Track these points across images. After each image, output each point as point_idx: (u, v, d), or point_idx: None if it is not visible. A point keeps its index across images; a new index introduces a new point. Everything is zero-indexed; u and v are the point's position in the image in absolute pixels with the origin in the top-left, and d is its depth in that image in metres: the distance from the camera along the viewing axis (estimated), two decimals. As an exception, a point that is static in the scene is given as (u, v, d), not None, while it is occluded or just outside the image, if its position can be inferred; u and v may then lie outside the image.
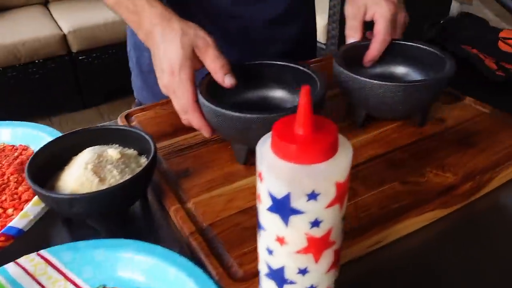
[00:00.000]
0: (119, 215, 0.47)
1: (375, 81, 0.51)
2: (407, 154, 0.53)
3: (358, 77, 0.52)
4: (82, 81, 2.33)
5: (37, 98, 2.26)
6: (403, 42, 0.61)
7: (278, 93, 0.58)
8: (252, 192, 0.47)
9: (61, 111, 2.36)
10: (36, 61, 2.19)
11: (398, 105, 0.52)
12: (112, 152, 0.47)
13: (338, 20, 1.89)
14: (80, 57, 2.27)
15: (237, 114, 0.46)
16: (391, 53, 0.61)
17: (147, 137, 0.48)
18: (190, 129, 0.53)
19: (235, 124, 0.46)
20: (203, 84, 0.51)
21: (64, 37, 2.23)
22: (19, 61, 2.16)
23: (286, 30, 0.76)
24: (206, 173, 0.51)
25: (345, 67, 0.54)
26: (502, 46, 0.74)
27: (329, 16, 1.95)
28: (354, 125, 0.58)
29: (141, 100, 0.83)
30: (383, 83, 0.51)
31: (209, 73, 0.51)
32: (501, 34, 0.76)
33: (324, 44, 2.05)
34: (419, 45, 0.60)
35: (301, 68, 0.55)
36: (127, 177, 0.44)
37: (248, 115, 0.45)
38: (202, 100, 0.48)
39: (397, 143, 0.55)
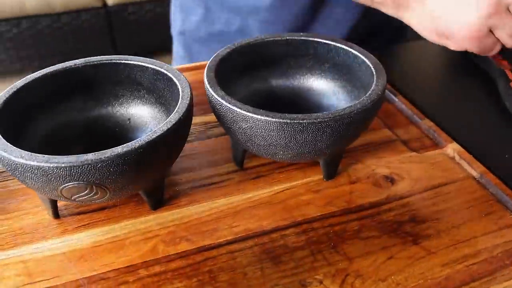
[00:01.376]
0: None
1: (251, 114, 0.32)
2: (300, 242, 0.34)
3: (233, 107, 0.33)
4: (117, 36, 2.25)
5: (70, 49, 2.21)
6: (330, 42, 0.42)
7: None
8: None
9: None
10: (70, 12, 2.13)
11: (286, 148, 0.34)
12: None
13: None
14: (115, 11, 2.18)
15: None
16: (316, 58, 0.43)
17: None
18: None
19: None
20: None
21: (100, -12, 2.14)
22: (53, 11, 2.11)
23: None
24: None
25: (218, 86, 0.35)
26: None
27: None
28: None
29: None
30: (262, 118, 0.32)
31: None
32: None
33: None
34: (347, 48, 0.41)
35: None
36: None
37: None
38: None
39: (286, 218, 0.36)
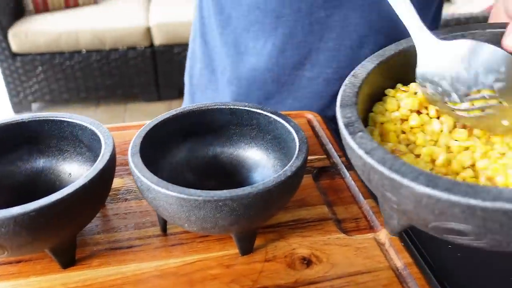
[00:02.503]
0: None
1: (153, 186, 0.33)
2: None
3: (141, 176, 0.34)
4: (160, 74, 2.36)
5: (114, 84, 2.33)
6: (271, 115, 0.42)
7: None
8: None
9: (137, 100, 2.43)
10: (120, 49, 2.27)
11: (189, 222, 0.34)
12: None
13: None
14: (161, 50, 2.30)
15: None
16: (258, 128, 0.44)
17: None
18: None
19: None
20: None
21: (148, 29, 2.27)
22: (104, 47, 2.26)
23: None
24: None
25: (138, 153, 0.37)
26: None
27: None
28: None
29: None
30: (162, 190, 0.33)
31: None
32: None
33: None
34: (283, 122, 0.41)
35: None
36: None
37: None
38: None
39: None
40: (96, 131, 0.40)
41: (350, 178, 0.47)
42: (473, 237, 0.27)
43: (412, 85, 0.39)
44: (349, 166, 0.48)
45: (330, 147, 0.52)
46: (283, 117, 0.42)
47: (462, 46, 0.33)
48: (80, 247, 0.39)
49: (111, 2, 2.49)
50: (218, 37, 0.66)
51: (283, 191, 0.35)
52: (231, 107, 0.44)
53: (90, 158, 0.42)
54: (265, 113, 0.43)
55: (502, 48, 0.35)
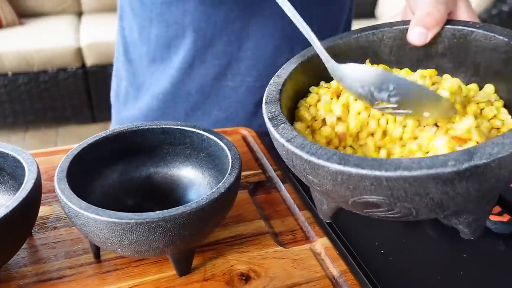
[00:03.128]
0: None
1: (82, 211, 0.32)
2: None
3: (68, 202, 0.33)
4: (94, 96, 2.28)
5: (44, 108, 2.23)
6: (204, 133, 0.43)
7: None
8: None
9: (69, 123, 2.33)
10: (49, 70, 2.17)
11: (122, 246, 0.33)
12: None
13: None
14: (93, 71, 2.23)
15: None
16: (192, 147, 0.44)
17: None
18: None
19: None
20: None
21: (79, 50, 2.20)
22: (32, 69, 2.16)
23: None
24: None
25: (65, 179, 0.35)
26: None
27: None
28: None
29: None
30: (91, 215, 0.32)
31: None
32: None
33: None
34: (216, 140, 0.41)
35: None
36: None
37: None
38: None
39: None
40: (19, 157, 0.38)
41: (286, 191, 0.48)
42: (386, 208, 0.30)
43: (334, 82, 0.41)
44: (284, 179, 0.49)
45: (265, 161, 0.53)
46: (216, 134, 0.42)
47: (356, 69, 0.35)
48: (4, 282, 0.36)
49: (38, 23, 2.40)
50: (141, 54, 0.67)
51: (217, 209, 0.35)
52: (163, 126, 0.43)
53: (14, 186, 0.40)
54: (198, 131, 0.43)
55: (408, 41, 0.40)
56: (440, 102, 0.33)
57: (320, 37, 0.43)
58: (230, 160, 0.38)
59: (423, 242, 0.45)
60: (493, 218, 0.45)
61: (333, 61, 0.37)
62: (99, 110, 2.32)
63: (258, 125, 0.65)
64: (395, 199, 0.29)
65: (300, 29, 0.37)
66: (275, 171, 0.51)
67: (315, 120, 0.39)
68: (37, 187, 0.35)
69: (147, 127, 0.43)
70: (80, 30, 2.34)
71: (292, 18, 0.37)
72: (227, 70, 0.64)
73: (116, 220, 0.31)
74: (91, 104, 2.31)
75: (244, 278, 0.37)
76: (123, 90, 0.73)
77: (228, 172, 0.37)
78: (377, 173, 0.27)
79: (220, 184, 0.35)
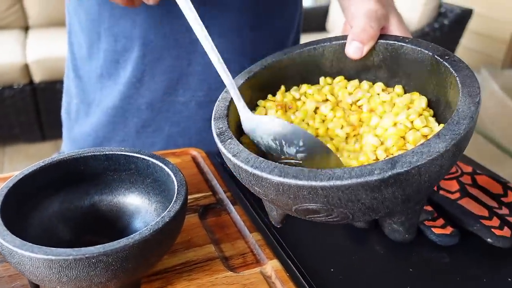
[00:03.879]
0: None
1: (16, 249, 0.31)
2: None
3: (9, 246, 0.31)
4: (43, 113, 2.20)
5: (-10, 126, 2.13)
6: (149, 158, 0.42)
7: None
8: None
9: (18, 141, 2.24)
10: (-6, 88, 2.08)
11: (61, 284, 0.32)
12: None
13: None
14: (42, 88, 2.15)
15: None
16: (138, 173, 0.43)
17: None
18: None
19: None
20: None
21: (26, 66, 2.12)
22: (-25, 87, 2.06)
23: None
24: None
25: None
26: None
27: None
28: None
29: None
30: (26, 253, 0.31)
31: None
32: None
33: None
34: (162, 165, 0.41)
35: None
36: None
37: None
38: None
39: None
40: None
41: (236, 213, 0.47)
42: (325, 214, 0.33)
43: (278, 95, 0.44)
44: (235, 201, 0.49)
45: (215, 183, 0.52)
46: (161, 159, 0.41)
47: (270, 122, 0.37)
48: None
49: (-20, 38, 2.29)
50: (90, 70, 0.66)
51: (162, 238, 0.34)
52: (106, 153, 0.42)
53: None
54: (142, 156, 0.42)
55: (346, 54, 0.42)
56: (330, 157, 0.36)
57: (268, 53, 0.44)
58: (176, 187, 0.38)
59: (371, 258, 0.46)
60: (436, 231, 0.46)
61: (248, 111, 0.39)
62: (49, 128, 2.24)
63: (209, 141, 0.65)
64: (331, 205, 0.31)
65: (218, 71, 0.38)
66: (225, 193, 0.50)
67: None
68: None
69: (90, 154, 0.42)
70: (26, 46, 2.25)
71: (209, 55, 0.38)
72: (178, 85, 0.64)
73: (53, 257, 0.30)
74: (41, 122, 2.23)
75: (193, 307, 0.36)
76: (74, 108, 0.72)
77: (174, 200, 0.36)
78: (313, 183, 0.30)
79: (165, 212, 0.34)
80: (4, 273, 0.39)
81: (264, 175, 0.32)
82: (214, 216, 0.48)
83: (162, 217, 0.34)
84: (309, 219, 0.35)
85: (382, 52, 0.42)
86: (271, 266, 0.41)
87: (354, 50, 0.41)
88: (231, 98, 0.40)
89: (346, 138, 0.40)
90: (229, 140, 0.36)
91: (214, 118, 0.38)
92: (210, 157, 0.57)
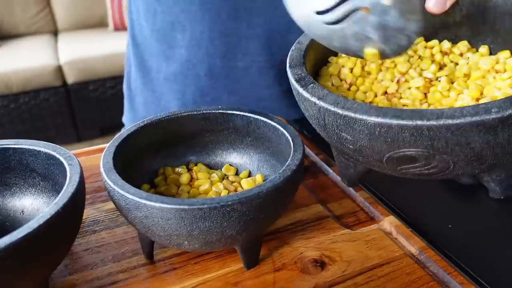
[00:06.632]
0: None
1: (144, 201, 0.29)
2: None
3: (124, 193, 0.29)
4: (77, 114, 2.22)
5: (27, 129, 2.15)
6: (249, 115, 0.40)
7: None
8: None
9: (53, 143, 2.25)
10: (29, 91, 2.10)
11: (190, 238, 0.30)
12: None
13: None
14: (75, 89, 2.16)
15: None
16: (236, 132, 0.41)
17: None
18: None
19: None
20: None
21: (59, 68, 2.13)
22: (11, 90, 2.08)
23: None
24: None
25: (114, 170, 0.32)
26: None
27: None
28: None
29: None
30: (157, 205, 0.28)
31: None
32: None
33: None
34: (266, 120, 0.38)
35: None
36: None
37: None
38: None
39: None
40: (54, 154, 0.34)
41: (334, 173, 0.44)
42: (424, 162, 0.30)
43: None
44: (330, 163, 0.46)
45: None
46: (263, 114, 0.38)
47: None
48: (52, 293, 0.32)
49: (13, 44, 2.32)
50: (149, 36, 0.63)
51: (290, 187, 0.31)
52: (203, 112, 0.40)
53: (47, 188, 0.36)
54: (242, 113, 0.39)
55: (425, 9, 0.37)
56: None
57: None
58: (290, 138, 0.35)
59: (487, 214, 0.42)
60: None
61: None
62: (84, 129, 2.25)
63: (271, 111, 0.62)
64: (434, 150, 0.28)
65: None
66: (317, 155, 0.48)
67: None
68: (82, 182, 0.31)
69: (187, 113, 0.39)
70: (58, 48, 2.27)
71: None
72: (237, 49, 0.60)
73: (187, 207, 0.28)
74: (75, 123, 2.24)
75: (318, 264, 0.34)
76: (134, 76, 0.70)
77: (293, 150, 0.33)
78: (419, 122, 0.27)
79: (289, 161, 0.32)
80: (110, 239, 0.37)
81: (358, 116, 0.29)
82: (311, 178, 0.45)
83: (288, 166, 0.31)
84: (399, 172, 0.32)
85: (466, 6, 0.38)
86: (389, 222, 0.38)
87: (435, 2, 0.36)
88: (306, 48, 0.37)
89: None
90: (312, 84, 0.33)
91: (290, 66, 0.36)
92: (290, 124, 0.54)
